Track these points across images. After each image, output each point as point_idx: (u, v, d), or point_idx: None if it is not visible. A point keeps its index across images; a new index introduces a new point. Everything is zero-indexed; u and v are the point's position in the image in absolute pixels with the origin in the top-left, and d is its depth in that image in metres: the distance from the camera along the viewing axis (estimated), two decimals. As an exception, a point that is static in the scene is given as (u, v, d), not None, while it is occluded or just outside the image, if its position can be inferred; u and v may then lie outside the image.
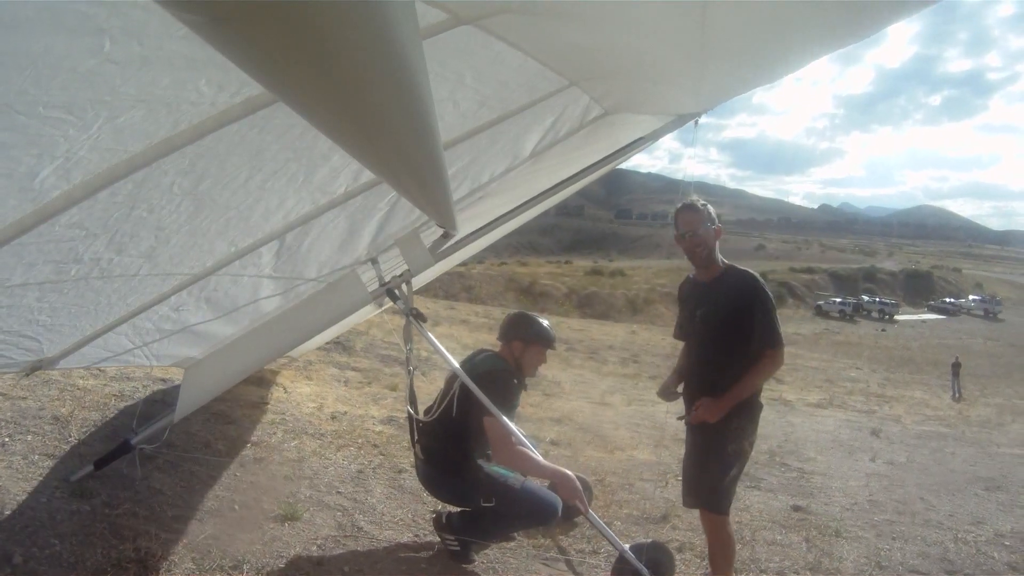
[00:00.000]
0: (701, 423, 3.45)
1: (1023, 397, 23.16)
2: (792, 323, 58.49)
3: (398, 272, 4.22)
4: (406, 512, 4.53)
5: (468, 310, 27.74)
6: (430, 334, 4.11)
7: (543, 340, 4.19)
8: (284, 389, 6.95)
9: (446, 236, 4.11)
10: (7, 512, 3.49)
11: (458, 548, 3.93)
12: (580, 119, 3.77)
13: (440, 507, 4.32)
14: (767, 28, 2.56)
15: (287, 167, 2.70)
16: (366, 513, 4.41)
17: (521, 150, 3.88)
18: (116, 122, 1.85)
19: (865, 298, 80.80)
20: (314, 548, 3.88)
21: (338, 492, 4.65)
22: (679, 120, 4.00)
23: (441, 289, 42.72)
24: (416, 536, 4.24)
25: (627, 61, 3.06)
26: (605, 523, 3.93)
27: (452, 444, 3.89)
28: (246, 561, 3.59)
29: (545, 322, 4.29)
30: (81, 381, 5.40)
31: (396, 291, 4.18)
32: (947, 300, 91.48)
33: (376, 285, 4.21)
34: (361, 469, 5.13)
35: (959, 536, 5.30)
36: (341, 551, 3.90)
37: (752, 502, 5.67)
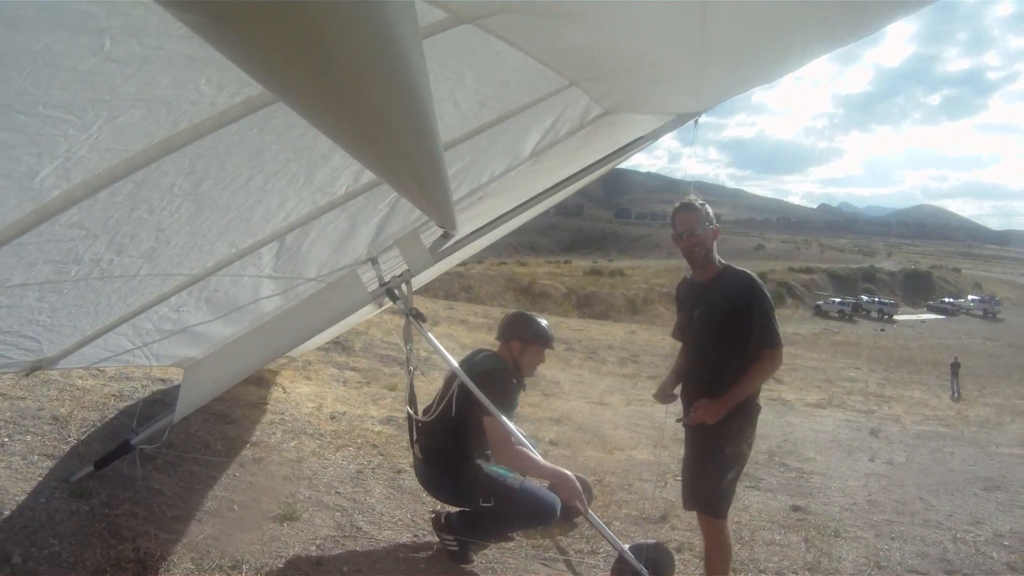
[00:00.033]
0: (699, 425, 3.43)
1: (1022, 397, 23.17)
2: (791, 323, 58.55)
3: (398, 272, 4.22)
4: (405, 512, 4.53)
5: (467, 310, 27.75)
6: (430, 334, 4.11)
7: (542, 340, 4.19)
8: (283, 389, 6.95)
9: (446, 236, 4.11)
10: (6, 512, 3.49)
11: (457, 548, 3.93)
12: (580, 119, 3.77)
13: (439, 507, 4.32)
14: (767, 27, 2.56)
15: (288, 167, 2.70)
16: (365, 513, 4.41)
17: (521, 150, 3.88)
18: (116, 122, 1.85)
19: (864, 298, 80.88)
20: (313, 548, 3.88)
21: (337, 492, 4.65)
22: (679, 119, 3.99)
23: (440, 289, 42.72)
24: (415, 536, 4.24)
25: (627, 61, 3.06)
26: (604, 523, 3.93)
27: (451, 444, 3.89)
28: (245, 561, 3.59)
29: (544, 322, 4.29)
30: (80, 381, 5.40)
31: (396, 291, 4.18)
32: (946, 300, 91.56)
33: (376, 285, 4.21)
34: (360, 469, 5.13)
35: (958, 536, 5.30)
36: (340, 551, 3.90)
37: (751, 502, 5.67)
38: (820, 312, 73.25)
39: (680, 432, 3.73)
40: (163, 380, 5.95)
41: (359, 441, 5.77)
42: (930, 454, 9.13)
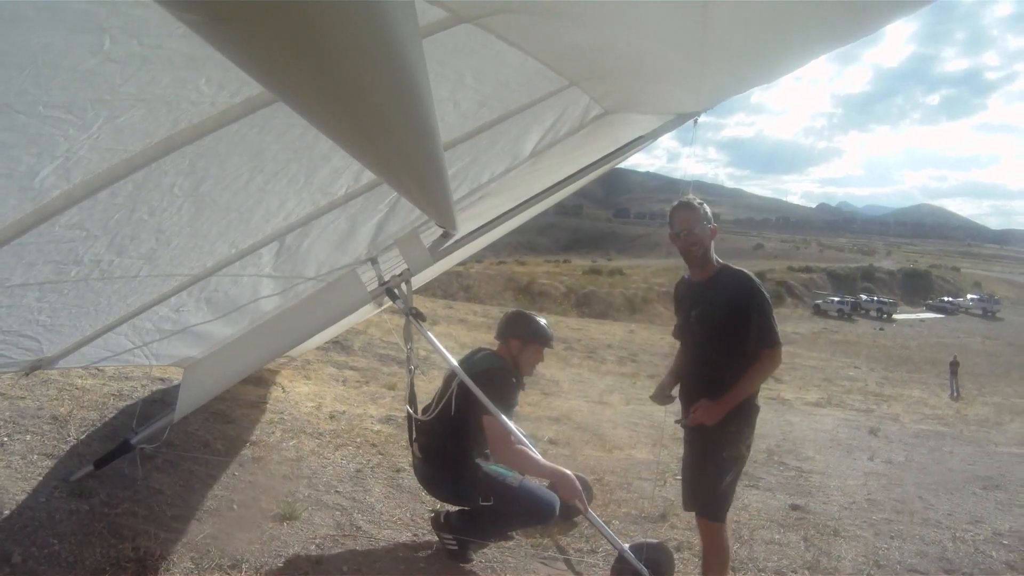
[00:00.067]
0: (698, 426, 3.41)
1: (1021, 396, 23.20)
2: (790, 322, 58.56)
3: (397, 271, 4.22)
4: (404, 511, 4.53)
5: (466, 309, 27.74)
6: (429, 333, 4.11)
7: (540, 339, 4.19)
8: (283, 388, 6.95)
9: (446, 236, 4.11)
10: (6, 512, 3.49)
11: (456, 547, 3.93)
12: (580, 119, 3.77)
13: (438, 506, 4.32)
14: (767, 27, 2.56)
15: (288, 168, 2.70)
16: (365, 512, 4.41)
17: (521, 150, 3.88)
18: (116, 121, 1.85)
19: (863, 297, 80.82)
20: (313, 547, 3.88)
21: (336, 491, 4.65)
22: (678, 119, 3.99)
23: (439, 288, 42.72)
24: (415, 535, 4.24)
25: (627, 61, 3.06)
26: (604, 522, 3.94)
27: (450, 443, 3.89)
28: (245, 560, 3.59)
29: (543, 321, 4.29)
30: (80, 381, 5.40)
31: (395, 290, 4.18)
32: (945, 299, 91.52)
33: (376, 284, 4.21)
34: (359, 468, 5.13)
35: (957, 535, 5.31)
36: (340, 550, 3.91)
37: (750, 501, 5.68)
38: (819, 311, 73.20)
39: (679, 431, 3.72)
40: (162, 380, 5.95)
41: (358, 440, 5.77)
42: (929, 453, 9.14)
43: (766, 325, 3.32)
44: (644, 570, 3.56)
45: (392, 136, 1.33)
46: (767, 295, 3.44)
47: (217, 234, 2.95)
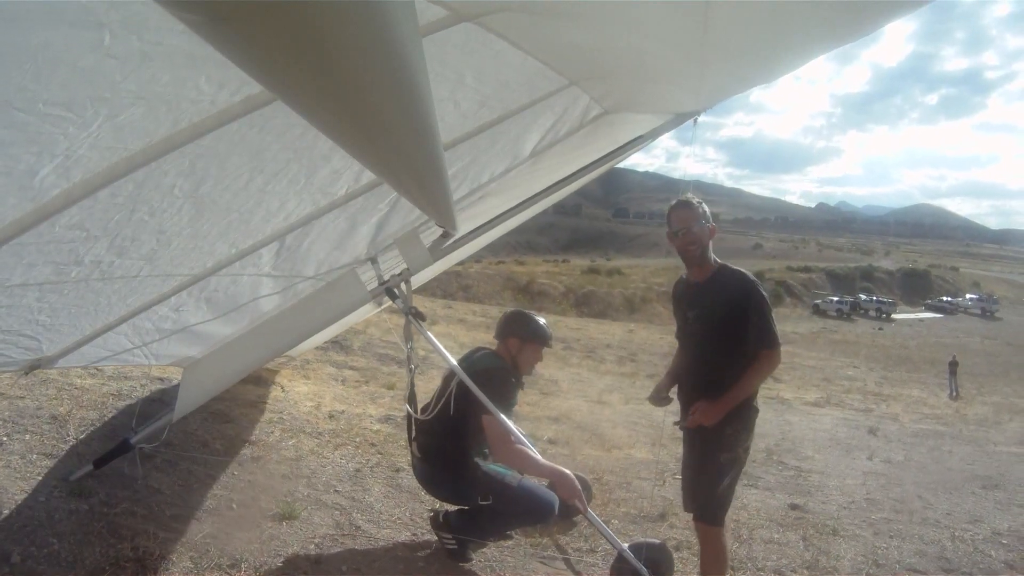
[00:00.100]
0: (697, 428, 3.37)
1: (1020, 395, 23.21)
2: (789, 322, 58.60)
3: (397, 271, 4.22)
4: (404, 511, 4.53)
5: (465, 309, 27.76)
6: (429, 333, 4.11)
7: (539, 338, 4.19)
8: (282, 388, 6.95)
9: (445, 235, 4.11)
10: (5, 511, 3.49)
11: (456, 546, 3.93)
12: (580, 119, 3.77)
13: (438, 505, 4.32)
14: (768, 27, 2.56)
15: (288, 168, 2.69)
16: (364, 512, 4.41)
17: (521, 150, 3.88)
18: (116, 120, 1.84)
19: (862, 297, 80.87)
20: (312, 547, 3.88)
21: (336, 491, 4.65)
22: (678, 118, 4.00)
23: (439, 288, 42.73)
24: (414, 535, 4.24)
25: (627, 61, 3.06)
26: (603, 521, 3.94)
27: (450, 442, 3.89)
28: (244, 560, 3.59)
29: (542, 320, 4.28)
30: (79, 380, 5.39)
31: (395, 290, 4.17)
32: (944, 299, 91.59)
33: (375, 284, 4.21)
34: (359, 468, 5.13)
35: (956, 534, 5.31)
36: (339, 550, 3.91)
37: (749, 500, 5.68)
38: (818, 311, 73.25)
39: (678, 431, 3.71)
40: (162, 379, 5.95)
41: (358, 440, 5.77)
42: (928, 452, 9.15)
43: (765, 325, 3.29)
44: (643, 570, 3.56)
45: (392, 136, 1.33)
46: (766, 295, 3.40)
47: (217, 235, 2.95)
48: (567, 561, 4.15)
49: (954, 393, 23.12)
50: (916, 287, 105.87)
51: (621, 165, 5.26)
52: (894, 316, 75.19)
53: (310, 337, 4.90)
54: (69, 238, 2.34)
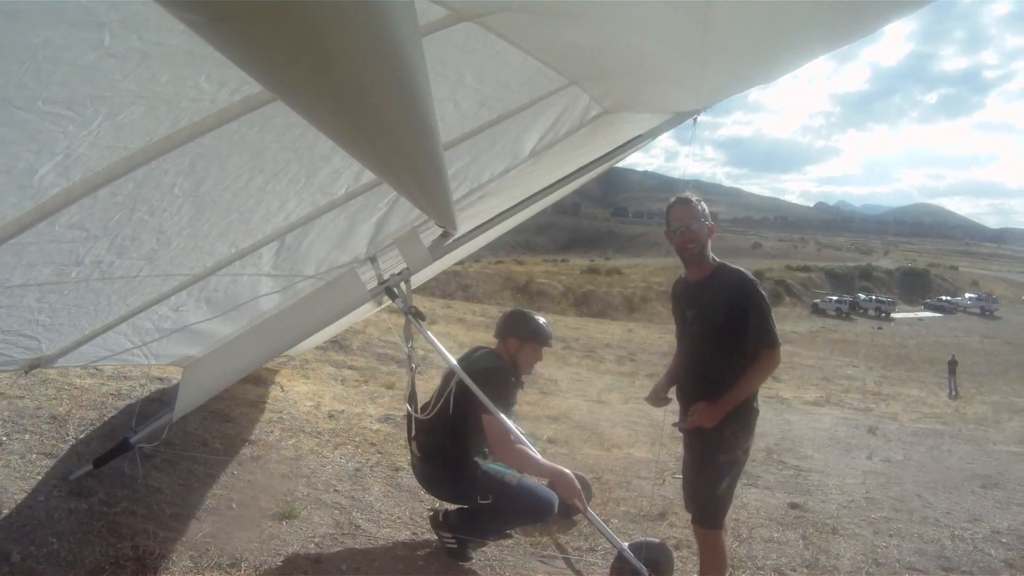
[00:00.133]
0: (696, 429, 3.33)
1: (1019, 395, 23.24)
2: (789, 321, 58.63)
3: (397, 270, 4.22)
4: (404, 510, 4.54)
5: (465, 309, 27.75)
6: (429, 332, 4.11)
7: (539, 337, 4.18)
8: (281, 388, 6.95)
9: (445, 235, 4.11)
10: (5, 511, 3.49)
11: (455, 546, 3.93)
12: (580, 119, 3.77)
13: (437, 505, 4.32)
14: (768, 27, 2.56)
15: (288, 168, 2.69)
16: (364, 511, 4.41)
17: (521, 150, 3.88)
18: (116, 119, 1.84)
19: (862, 296, 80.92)
20: (312, 546, 3.88)
21: (336, 490, 4.65)
22: (677, 118, 3.99)
23: (438, 288, 42.73)
24: (414, 534, 4.24)
25: (627, 61, 3.06)
26: (603, 521, 3.94)
27: (449, 441, 3.89)
28: (244, 559, 3.59)
29: (542, 320, 4.28)
30: (78, 380, 5.39)
31: (395, 289, 4.17)
32: (944, 298, 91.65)
33: (375, 283, 4.20)
34: (359, 467, 5.13)
35: (956, 533, 5.32)
36: (339, 549, 3.91)
37: (749, 499, 5.69)
38: (817, 310, 73.30)
39: (678, 431, 3.68)
40: (161, 379, 5.95)
41: (357, 439, 5.77)
42: (928, 452, 9.16)
43: (765, 325, 3.24)
44: (643, 569, 3.57)
45: (392, 136, 1.33)
46: (765, 294, 3.35)
47: (217, 234, 2.95)
48: (567, 560, 4.15)
49: (953, 392, 23.16)
50: (915, 286, 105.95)
51: (620, 164, 5.26)
52: (893, 315, 75.22)
53: (310, 336, 4.90)
54: (69, 237, 2.34)
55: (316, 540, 3.94)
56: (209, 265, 3.24)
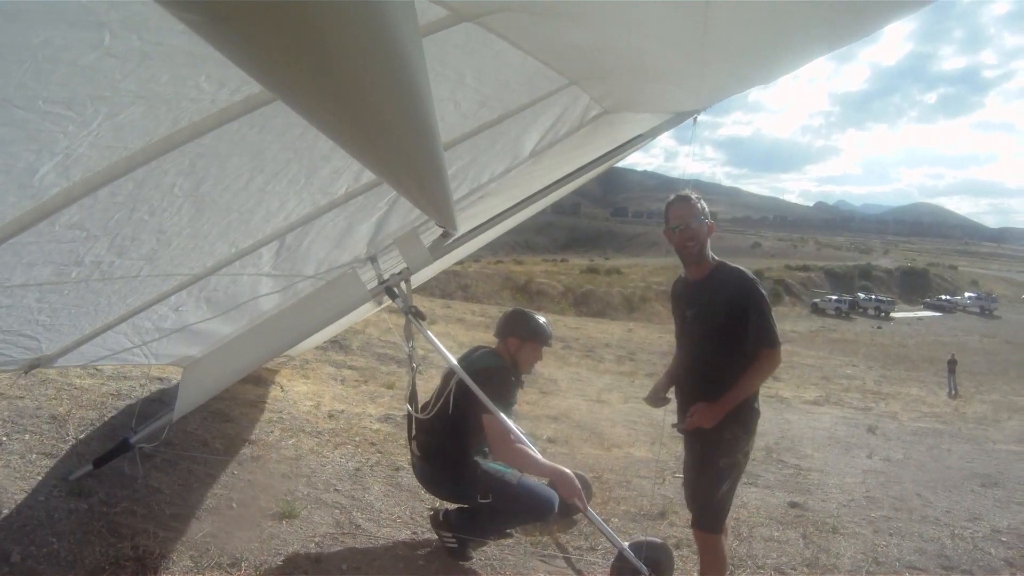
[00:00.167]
0: (695, 430, 3.28)
1: (1019, 394, 23.26)
2: (788, 320, 58.63)
3: (397, 270, 4.22)
4: (404, 509, 4.54)
5: (464, 308, 27.74)
6: (429, 332, 4.11)
7: (539, 337, 4.18)
8: (281, 388, 6.95)
9: (445, 235, 4.11)
10: (5, 511, 3.49)
11: (456, 545, 3.93)
12: (580, 119, 3.77)
13: (437, 504, 4.32)
14: (768, 28, 2.56)
15: (288, 168, 2.69)
16: (364, 511, 4.42)
17: (521, 150, 3.88)
18: (116, 119, 1.84)
19: (861, 295, 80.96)
20: (312, 546, 3.88)
21: (336, 490, 4.65)
22: (677, 117, 3.99)
23: (437, 288, 42.72)
24: (414, 533, 4.25)
25: (627, 61, 3.06)
26: (603, 520, 3.94)
27: (449, 441, 3.89)
28: (244, 559, 3.59)
29: (542, 319, 4.27)
30: (78, 380, 5.39)
31: (395, 289, 4.17)
32: (943, 297, 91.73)
33: (375, 283, 4.20)
34: (359, 467, 5.14)
35: (956, 532, 5.32)
36: (339, 548, 3.91)
37: (749, 499, 5.69)
38: (817, 310, 73.32)
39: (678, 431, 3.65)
40: (161, 379, 5.95)
41: (357, 439, 5.77)
42: (927, 451, 9.17)
43: (765, 324, 3.20)
44: (643, 568, 3.57)
45: (392, 136, 1.33)
46: (765, 293, 3.31)
47: (217, 234, 2.95)
48: (567, 560, 4.15)
49: (953, 391, 23.18)
50: (915, 285, 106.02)
51: (619, 164, 5.26)
52: (893, 315, 75.25)
53: (310, 336, 4.90)
54: (69, 237, 2.34)
55: (316, 540, 3.95)
56: (209, 265, 3.24)
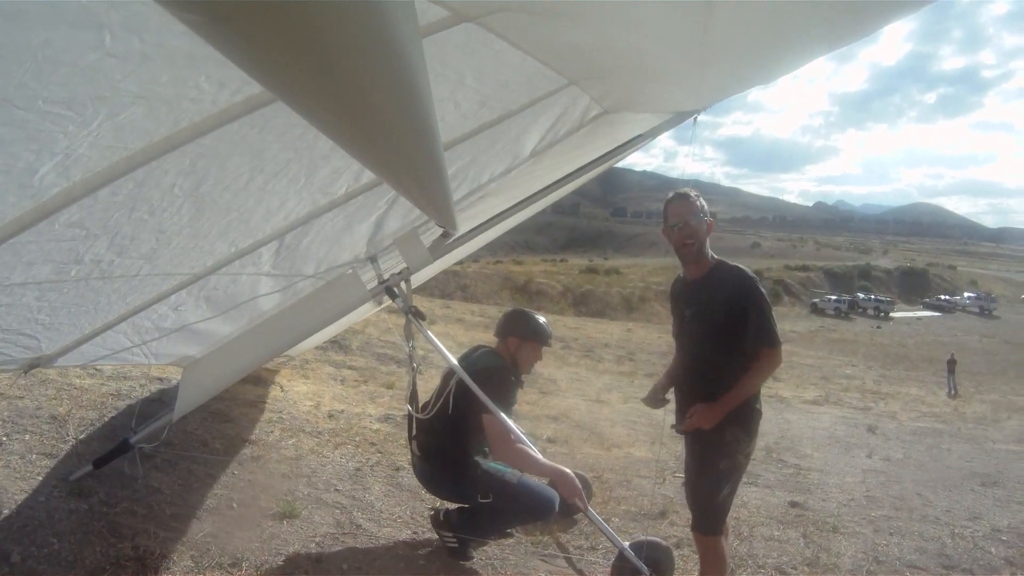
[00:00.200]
0: (695, 432, 3.25)
1: (1018, 393, 23.27)
2: (787, 320, 58.64)
3: (397, 270, 4.22)
4: (404, 509, 4.54)
5: (464, 309, 27.72)
6: (429, 332, 4.11)
7: (539, 337, 4.18)
8: (281, 388, 6.95)
9: (445, 235, 4.11)
10: (5, 511, 3.49)
11: (456, 545, 3.93)
12: (580, 119, 3.77)
13: (438, 504, 4.32)
14: (769, 28, 2.56)
15: (288, 168, 2.69)
16: (364, 511, 4.42)
17: (521, 150, 3.88)
18: (116, 119, 1.84)
19: (860, 295, 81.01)
20: (313, 546, 3.88)
21: (336, 490, 4.65)
22: (677, 117, 3.99)
23: (437, 288, 42.71)
24: (414, 533, 4.25)
25: (627, 61, 3.06)
26: (603, 520, 3.93)
27: (449, 441, 3.89)
28: (245, 559, 3.59)
29: (542, 319, 4.27)
30: (78, 380, 5.39)
31: (395, 289, 4.17)
32: (942, 297, 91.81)
33: (375, 283, 4.20)
34: (359, 467, 5.14)
35: (956, 531, 5.33)
36: (340, 548, 3.91)
37: (750, 498, 5.69)
38: (816, 310, 73.35)
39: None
40: (161, 379, 5.95)
41: (357, 439, 5.77)
42: (927, 450, 9.17)
43: (765, 323, 3.15)
44: (644, 568, 3.57)
45: (392, 136, 1.33)
46: (765, 292, 3.26)
47: (217, 234, 2.95)
48: (568, 559, 4.16)
49: (952, 391, 23.18)
50: (914, 285, 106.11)
51: (619, 164, 5.26)
52: (892, 315, 75.29)
53: (310, 336, 4.89)
54: (69, 236, 2.34)
55: (317, 539, 3.95)
56: (209, 264, 3.24)
